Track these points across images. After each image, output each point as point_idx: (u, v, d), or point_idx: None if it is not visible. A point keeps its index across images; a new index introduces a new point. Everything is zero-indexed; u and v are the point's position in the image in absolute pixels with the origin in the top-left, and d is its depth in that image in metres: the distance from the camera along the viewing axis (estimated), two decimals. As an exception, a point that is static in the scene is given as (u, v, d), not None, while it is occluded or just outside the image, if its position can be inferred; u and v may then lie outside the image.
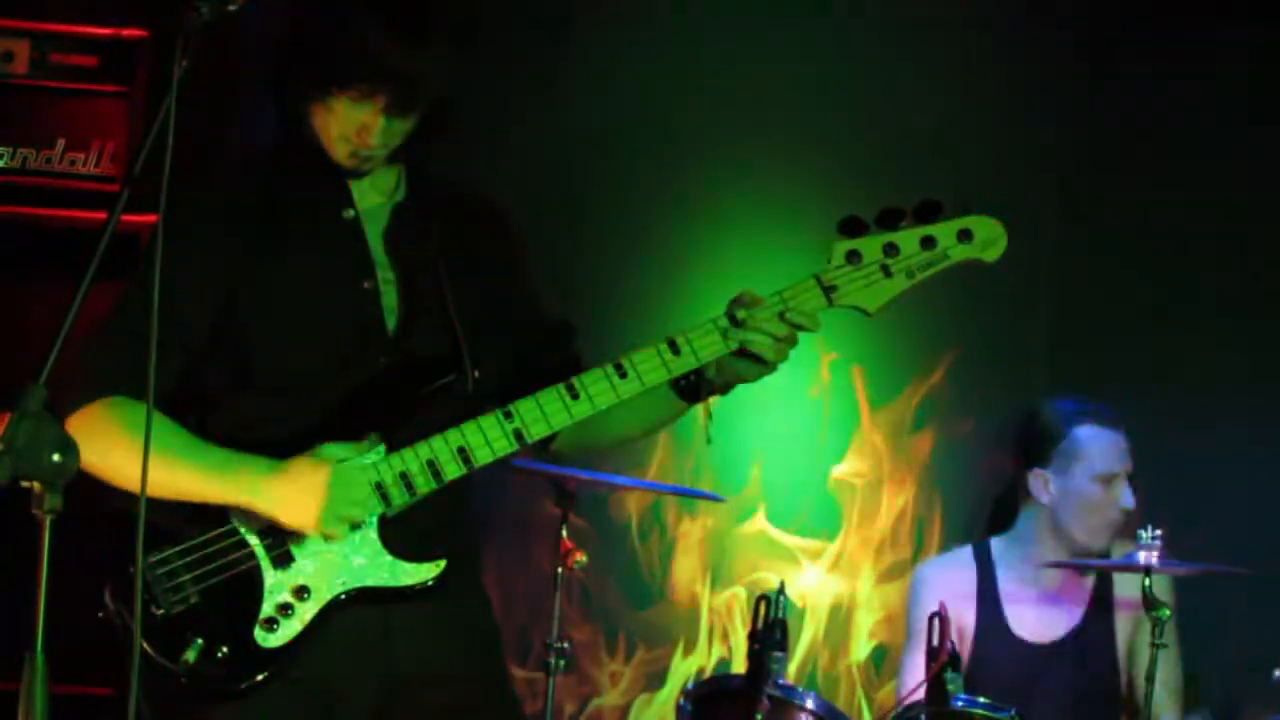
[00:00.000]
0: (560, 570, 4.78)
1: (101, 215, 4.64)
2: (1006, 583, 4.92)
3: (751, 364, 3.15)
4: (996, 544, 4.99)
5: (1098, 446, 4.85)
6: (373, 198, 3.21)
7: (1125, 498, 4.83)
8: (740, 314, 3.12)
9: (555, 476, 4.76)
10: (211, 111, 4.89)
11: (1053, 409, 4.95)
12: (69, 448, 2.40)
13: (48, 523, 2.39)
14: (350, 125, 3.07)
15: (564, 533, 4.79)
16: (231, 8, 2.62)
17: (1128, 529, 4.79)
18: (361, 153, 3.10)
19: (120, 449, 2.94)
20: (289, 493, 2.99)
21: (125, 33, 4.83)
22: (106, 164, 4.81)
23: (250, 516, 3.03)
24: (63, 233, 4.71)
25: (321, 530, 3.01)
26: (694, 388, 3.21)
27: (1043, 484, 4.87)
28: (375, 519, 3.07)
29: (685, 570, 5.75)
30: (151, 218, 2.68)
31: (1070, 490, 4.84)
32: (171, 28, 2.62)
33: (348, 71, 3.03)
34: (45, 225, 4.74)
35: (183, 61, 2.59)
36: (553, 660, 4.76)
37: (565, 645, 4.79)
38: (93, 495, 2.94)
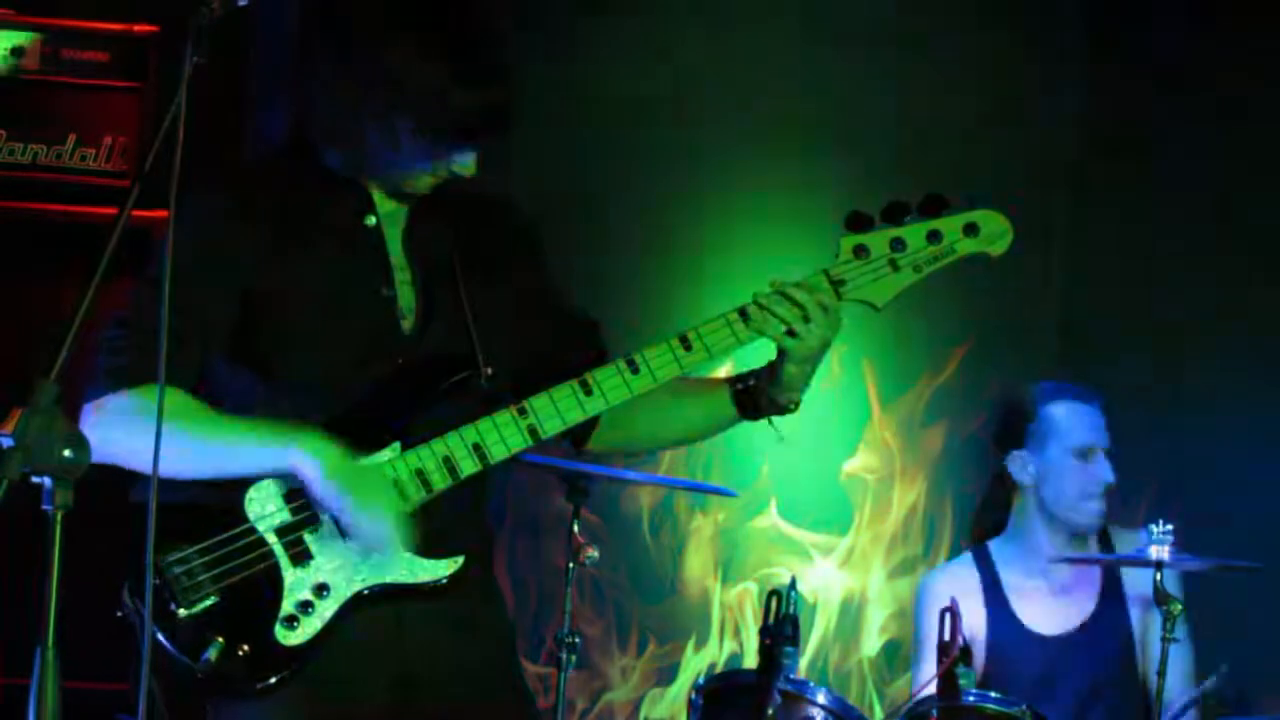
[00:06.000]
0: (572, 565, 4.77)
1: (113, 211, 4.65)
2: (1011, 579, 4.91)
3: (796, 362, 3.16)
4: (995, 544, 4.97)
5: (1072, 420, 4.85)
6: (394, 201, 3.21)
7: (1105, 472, 4.82)
8: (749, 307, 3.13)
9: (566, 472, 4.76)
10: (224, 107, 4.91)
11: (1025, 390, 4.96)
12: (80, 443, 2.41)
13: (58, 518, 2.40)
14: (461, 161, 3.10)
15: (575, 527, 4.78)
16: (242, 3, 2.62)
17: (1125, 515, 4.80)
18: (445, 179, 3.12)
19: (148, 433, 2.85)
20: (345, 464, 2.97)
21: (137, 28, 4.84)
22: (118, 160, 4.82)
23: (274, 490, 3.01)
24: (74, 228, 4.72)
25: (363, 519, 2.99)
26: (754, 402, 3.24)
27: (1021, 465, 4.88)
28: (391, 515, 3.07)
29: (697, 565, 5.76)
30: (162, 213, 2.68)
31: (1049, 467, 4.84)
32: (183, 23, 2.62)
33: (478, 128, 3.05)
34: (56, 221, 4.75)
35: (194, 57, 2.59)
36: (564, 655, 4.76)
37: (576, 640, 4.78)
38: (110, 492, 2.94)
